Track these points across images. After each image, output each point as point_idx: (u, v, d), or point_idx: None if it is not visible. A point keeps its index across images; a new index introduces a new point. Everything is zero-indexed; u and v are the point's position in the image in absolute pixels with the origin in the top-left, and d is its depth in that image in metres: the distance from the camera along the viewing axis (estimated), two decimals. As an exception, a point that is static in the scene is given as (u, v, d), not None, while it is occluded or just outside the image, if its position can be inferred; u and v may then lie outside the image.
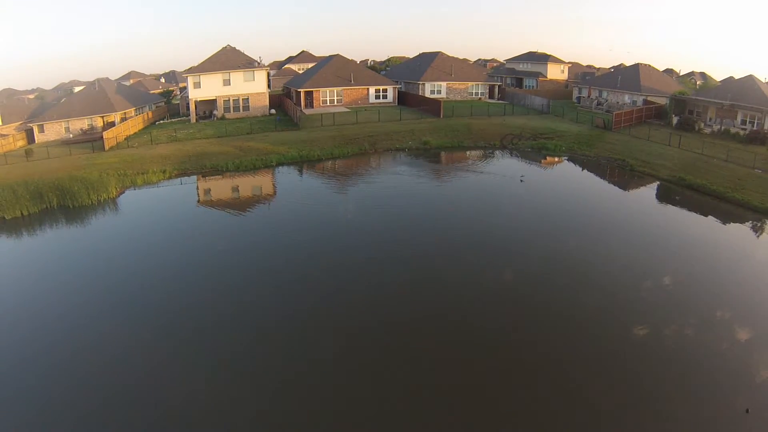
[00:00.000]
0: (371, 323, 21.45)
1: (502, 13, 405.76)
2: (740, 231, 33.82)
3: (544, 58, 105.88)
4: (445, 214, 35.54)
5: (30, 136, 69.58)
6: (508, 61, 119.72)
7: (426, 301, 23.23)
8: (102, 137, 56.85)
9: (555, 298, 23.23)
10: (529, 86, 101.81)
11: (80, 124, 69.14)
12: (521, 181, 41.94)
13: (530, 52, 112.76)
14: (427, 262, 27.30)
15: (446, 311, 22.30)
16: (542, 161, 51.60)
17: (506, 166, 49.43)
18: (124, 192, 42.72)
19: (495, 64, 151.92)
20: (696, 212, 36.84)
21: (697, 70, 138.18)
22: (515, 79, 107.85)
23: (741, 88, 57.33)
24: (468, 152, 55.40)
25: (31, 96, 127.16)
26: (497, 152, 54.59)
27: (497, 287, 24.67)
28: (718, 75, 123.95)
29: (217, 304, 23.39)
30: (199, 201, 41.72)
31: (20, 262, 30.31)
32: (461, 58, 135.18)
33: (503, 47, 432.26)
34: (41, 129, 69.31)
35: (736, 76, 70.38)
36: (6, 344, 20.68)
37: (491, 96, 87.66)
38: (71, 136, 67.33)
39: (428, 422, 15.89)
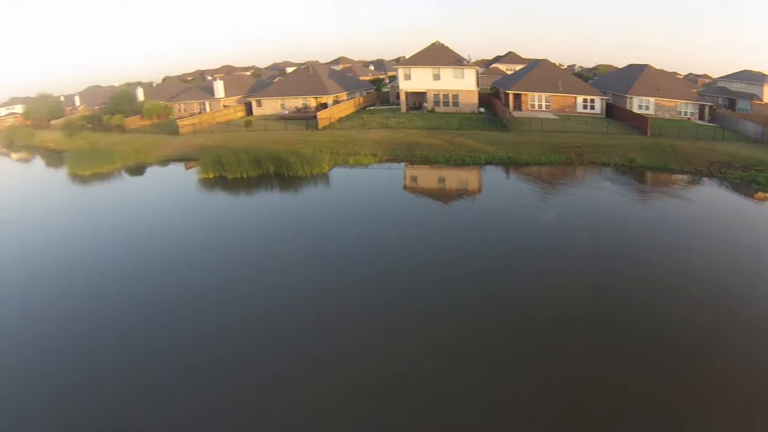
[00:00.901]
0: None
1: (717, 24, 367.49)
2: None
3: (759, 78, 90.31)
4: (652, 242, 29.29)
5: (248, 109, 76.85)
6: (720, 78, 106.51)
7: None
8: (315, 117, 60.06)
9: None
10: (743, 109, 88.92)
11: (295, 102, 74.40)
12: None
13: (744, 71, 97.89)
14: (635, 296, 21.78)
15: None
16: (753, 196, 44.07)
17: (716, 196, 43.02)
18: (332, 169, 44.95)
19: (706, 81, 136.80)
20: None
21: None
22: (728, 99, 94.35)
23: None
24: (674, 176, 49.54)
25: (248, 73, 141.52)
26: (704, 179, 48.10)
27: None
28: None
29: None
30: (408, 188, 41.18)
31: (246, 221, 32.56)
32: (670, 71, 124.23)
33: (716, 62, 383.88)
34: (259, 104, 76.02)
35: None
36: (244, 299, 21.20)
37: (701, 117, 78.10)
38: (286, 112, 72.64)
39: None
